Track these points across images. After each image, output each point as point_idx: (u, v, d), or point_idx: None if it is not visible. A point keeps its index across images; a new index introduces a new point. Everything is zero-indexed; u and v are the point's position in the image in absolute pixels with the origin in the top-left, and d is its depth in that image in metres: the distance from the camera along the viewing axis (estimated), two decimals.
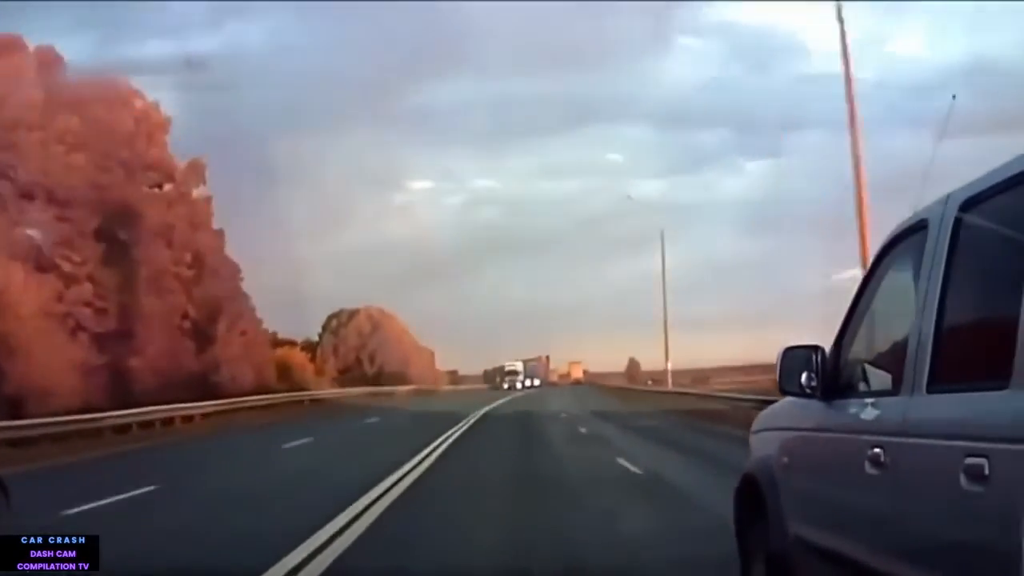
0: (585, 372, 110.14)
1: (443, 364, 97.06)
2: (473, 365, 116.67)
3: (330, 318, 68.89)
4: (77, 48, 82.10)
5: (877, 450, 2.99)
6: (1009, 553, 2.07)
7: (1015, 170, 2.52)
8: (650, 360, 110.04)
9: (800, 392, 3.73)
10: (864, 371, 3.47)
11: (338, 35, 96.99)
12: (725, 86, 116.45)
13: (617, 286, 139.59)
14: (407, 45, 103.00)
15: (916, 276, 3.03)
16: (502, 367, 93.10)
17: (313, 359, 60.69)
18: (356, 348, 68.47)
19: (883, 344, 3.39)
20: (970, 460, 2.38)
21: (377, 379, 65.13)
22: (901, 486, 2.85)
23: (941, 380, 2.75)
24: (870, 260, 3.81)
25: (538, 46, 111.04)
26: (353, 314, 70.05)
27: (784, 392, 3.86)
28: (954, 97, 4.07)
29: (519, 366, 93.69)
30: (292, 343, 55.29)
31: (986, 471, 2.31)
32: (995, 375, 2.36)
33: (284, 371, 47.16)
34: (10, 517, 5.35)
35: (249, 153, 74.17)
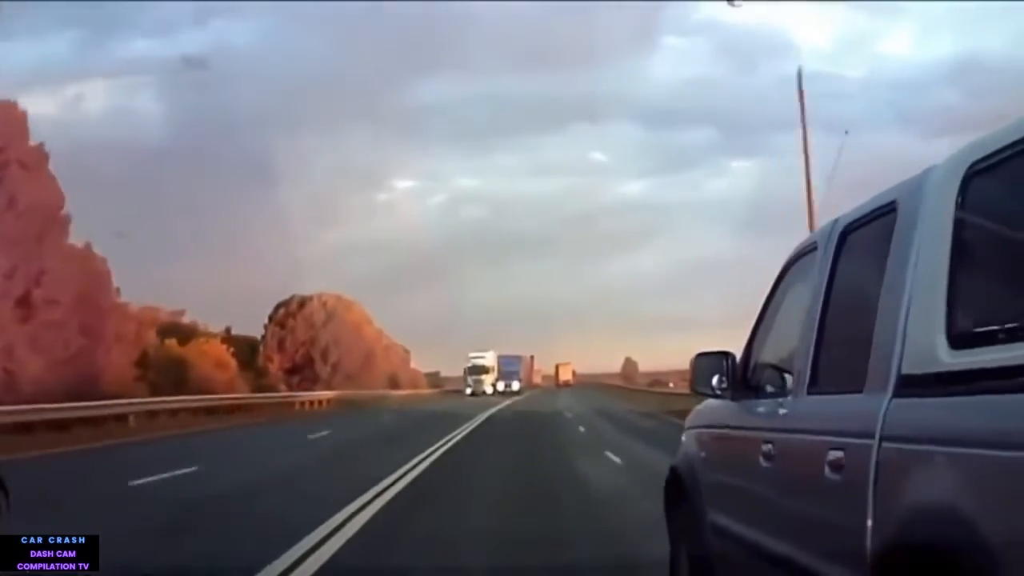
0: (575, 373, 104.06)
1: (426, 365, 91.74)
2: (456, 367, 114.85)
3: (278, 307, 57.43)
4: (63, 46, 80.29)
5: (768, 446, 3.40)
6: (858, 530, 2.50)
7: (887, 199, 2.92)
8: (647, 361, 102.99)
9: (711, 393, 4.16)
10: (766, 375, 3.85)
11: (324, 34, 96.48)
12: (711, 85, 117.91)
13: (606, 286, 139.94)
14: (393, 44, 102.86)
15: (806, 292, 3.46)
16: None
17: (255, 356, 50.94)
18: (306, 342, 56.30)
19: (781, 352, 3.71)
20: (832, 454, 2.77)
21: (329, 383, 53.46)
22: (783, 477, 3.27)
23: (818, 384, 3.19)
24: None
25: (524, 46, 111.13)
26: (305, 301, 58.11)
27: (696, 393, 4.30)
28: (847, 132, 4.56)
29: (488, 359, 70.48)
30: (212, 335, 44.29)
31: (843, 462, 2.70)
32: (854, 381, 2.76)
33: (176, 367, 35.68)
34: (9, 517, 5.33)
35: (231, 151, 73.39)
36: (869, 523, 2.49)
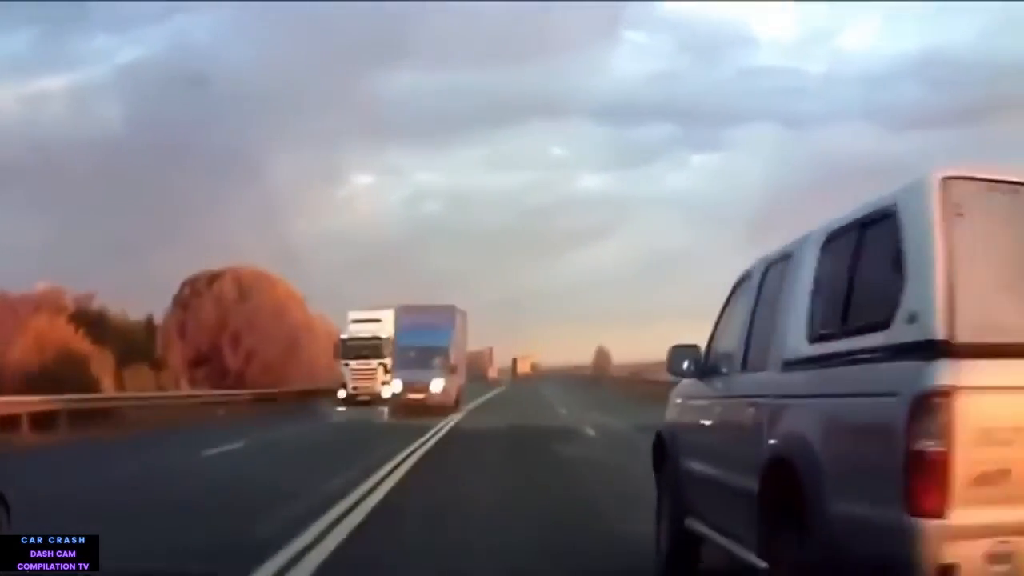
0: (534, 366, 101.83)
1: None
2: None
3: (184, 285, 48.87)
4: (23, 44, 79.44)
5: (716, 407, 5.36)
6: (758, 452, 4.20)
7: (787, 251, 4.79)
8: (616, 353, 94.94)
9: (683, 374, 5.88)
10: (720, 359, 5.43)
11: (281, 29, 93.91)
12: (671, 79, 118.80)
13: (569, 279, 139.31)
14: (351, 37, 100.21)
15: (744, 305, 5.26)
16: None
17: (151, 343, 42.50)
18: (213, 328, 47.38)
19: (731, 343, 5.32)
20: (748, 409, 4.62)
21: (242, 376, 44.24)
22: (722, 426, 5.19)
23: (745, 366, 4.97)
24: None
25: (483, 39, 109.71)
26: (215, 278, 48.94)
27: (672, 373, 5.97)
28: None
29: (383, 325, 36.43)
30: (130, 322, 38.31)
31: (753, 413, 4.53)
32: (763, 364, 4.62)
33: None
34: (9, 530, 5.29)
35: (186, 145, 71.05)
36: (764, 447, 4.19)
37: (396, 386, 31.55)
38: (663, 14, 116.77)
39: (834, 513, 3.43)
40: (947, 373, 3.04)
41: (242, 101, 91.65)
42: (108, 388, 31.47)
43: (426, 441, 18.16)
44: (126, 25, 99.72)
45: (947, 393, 3.00)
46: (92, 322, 36.24)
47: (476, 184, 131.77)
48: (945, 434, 2.98)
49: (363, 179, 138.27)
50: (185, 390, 40.27)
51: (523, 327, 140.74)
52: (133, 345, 38.68)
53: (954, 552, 2.98)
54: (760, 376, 4.63)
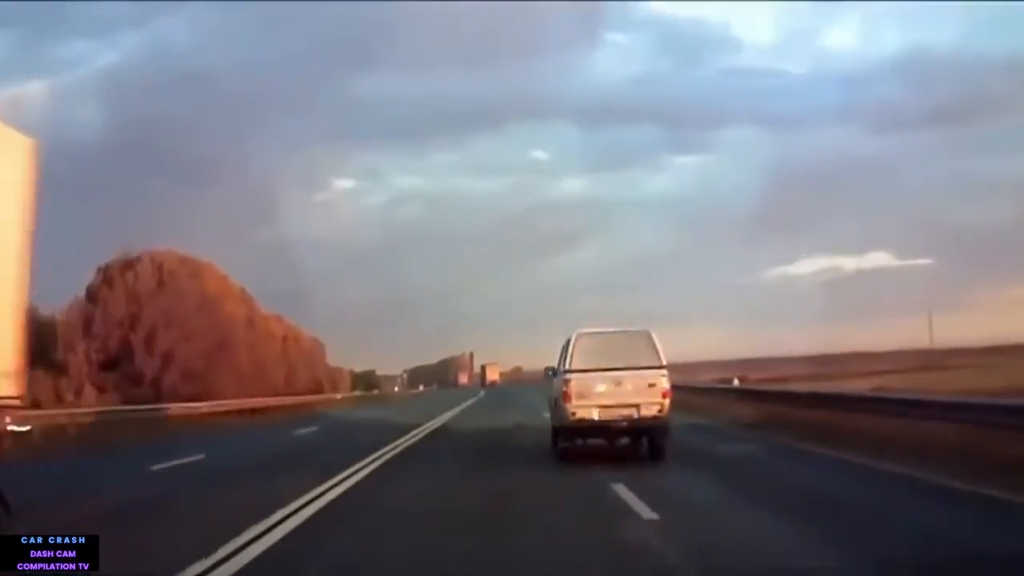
0: (501, 374, 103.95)
1: (360, 363, 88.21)
2: (391, 365, 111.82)
3: (99, 272, 41.20)
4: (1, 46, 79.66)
5: (555, 385, 14.72)
6: (568, 412, 13.46)
7: (571, 336, 14.45)
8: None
9: (551, 376, 15.44)
10: (556, 371, 14.78)
11: (261, 32, 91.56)
12: (653, 81, 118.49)
13: (548, 282, 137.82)
14: (330, 40, 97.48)
15: (562, 350, 14.41)
16: None
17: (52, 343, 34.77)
18: (125, 323, 39.57)
19: (558, 366, 14.79)
20: (557, 384, 14.49)
21: (158, 383, 37.60)
22: (555, 390, 14.75)
23: (556, 374, 15.08)
24: None
25: (462, 42, 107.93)
26: (131, 264, 41.24)
27: (545, 377, 16.35)
28: None
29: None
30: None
31: (555, 385, 14.91)
32: (558, 373, 15.11)
33: None
34: (9, 524, 5.25)
35: (164, 148, 68.21)
36: (551, 393, 15.69)
37: None
38: (644, 15, 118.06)
39: (552, 401, 15.26)
40: (571, 379, 13.54)
41: (219, 103, 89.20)
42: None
43: None
44: (102, 28, 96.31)
45: (569, 380, 13.39)
46: None
47: (456, 188, 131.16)
48: (569, 389, 13.30)
49: (341, 183, 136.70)
50: (87, 403, 33.06)
51: (503, 331, 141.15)
52: (30, 346, 31.84)
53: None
54: (558, 377, 14.12)
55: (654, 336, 13.20)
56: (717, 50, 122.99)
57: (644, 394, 12.85)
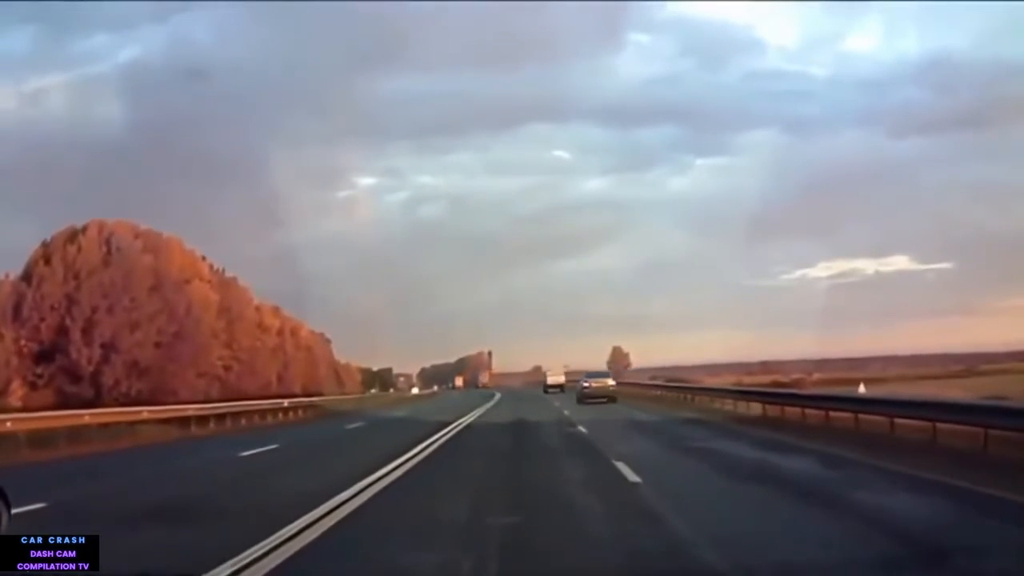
0: (491, 375, 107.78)
1: (377, 362, 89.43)
2: (408, 363, 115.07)
3: (41, 247, 35.67)
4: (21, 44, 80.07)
5: (584, 383, 44.03)
6: (581, 386, 43.94)
7: (588, 372, 49.25)
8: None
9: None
10: (582, 381, 45.02)
11: (283, 31, 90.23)
12: (676, 83, 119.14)
13: (565, 283, 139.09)
14: (354, 40, 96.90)
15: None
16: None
17: None
18: (61, 306, 33.83)
19: (583, 380, 46.23)
20: (581, 381, 46.38)
21: (97, 379, 32.80)
22: (580, 385, 46.32)
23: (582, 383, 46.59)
24: None
25: (485, 42, 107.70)
26: (73, 236, 35.32)
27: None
28: None
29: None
30: None
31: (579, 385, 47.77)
32: (577, 383, 49.48)
33: None
34: (9, 522, 5.18)
35: (187, 147, 66.64)
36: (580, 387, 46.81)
37: None
38: (668, 16, 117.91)
39: (579, 387, 44.11)
40: (586, 380, 44.00)
41: (240, 101, 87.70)
42: None
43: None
44: (125, 24, 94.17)
45: (587, 381, 44.60)
46: None
47: (477, 187, 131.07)
48: (586, 382, 43.69)
49: (363, 181, 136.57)
50: (11, 403, 27.86)
51: (523, 331, 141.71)
52: None
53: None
54: (581, 380, 44.49)
55: (610, 375, 44.91)
56: (741, 52, 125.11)
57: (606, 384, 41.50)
